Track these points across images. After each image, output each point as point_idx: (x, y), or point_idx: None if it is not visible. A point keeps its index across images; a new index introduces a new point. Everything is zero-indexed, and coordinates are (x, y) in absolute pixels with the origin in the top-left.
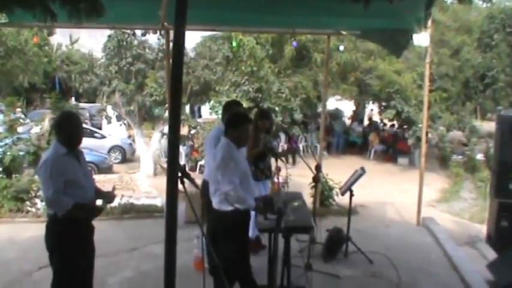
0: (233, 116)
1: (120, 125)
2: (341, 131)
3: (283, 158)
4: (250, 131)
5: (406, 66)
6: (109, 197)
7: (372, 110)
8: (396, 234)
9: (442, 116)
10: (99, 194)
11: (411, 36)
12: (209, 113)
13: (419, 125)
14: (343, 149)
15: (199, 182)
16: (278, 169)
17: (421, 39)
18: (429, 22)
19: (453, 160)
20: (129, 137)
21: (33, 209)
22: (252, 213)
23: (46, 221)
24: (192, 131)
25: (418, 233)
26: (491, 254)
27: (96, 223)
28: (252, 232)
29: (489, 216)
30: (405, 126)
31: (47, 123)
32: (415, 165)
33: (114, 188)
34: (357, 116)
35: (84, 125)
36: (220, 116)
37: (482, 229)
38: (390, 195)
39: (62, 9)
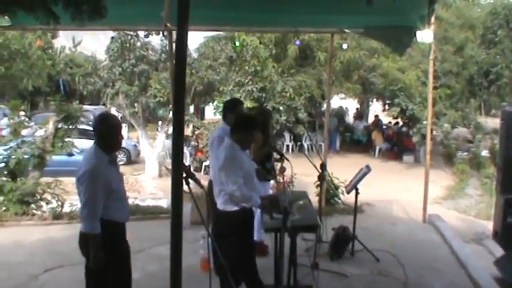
0: (243, 118)
1: (125, 126)
2: (333, 129)
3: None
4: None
5: (410, 64)
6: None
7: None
8: (402, 231)
9: (447, 112)
10: None
11: (414, 34)
12: (213, 113)
13: (424, 122)
14: (335, 148)
15: (205, 182)
16: (283, 169)
17: (425, 36)
18: (432, 19)
19: (458, 157)
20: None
21: (39, 212)
22: (257, 215)
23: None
24: (196, 132)
25: (424, 231)
26: (498, 251)
27: None
28: (257, 235)
29: (495, 213)
30: (410, 124)
31: (51, 126)
32: (420, 162)
33: None
34: (359, 115)
35: (88, 127)
36: None
37: (489, 226)
38: (396, 193)
39: (64, 12)
